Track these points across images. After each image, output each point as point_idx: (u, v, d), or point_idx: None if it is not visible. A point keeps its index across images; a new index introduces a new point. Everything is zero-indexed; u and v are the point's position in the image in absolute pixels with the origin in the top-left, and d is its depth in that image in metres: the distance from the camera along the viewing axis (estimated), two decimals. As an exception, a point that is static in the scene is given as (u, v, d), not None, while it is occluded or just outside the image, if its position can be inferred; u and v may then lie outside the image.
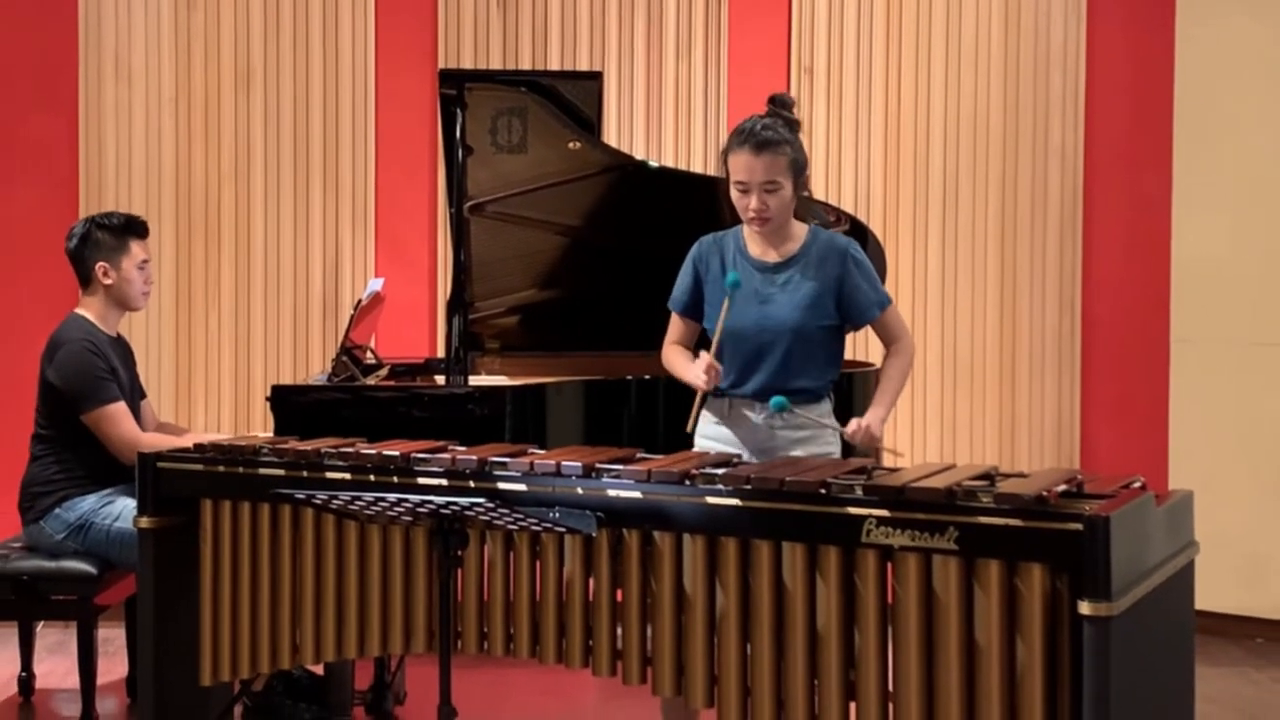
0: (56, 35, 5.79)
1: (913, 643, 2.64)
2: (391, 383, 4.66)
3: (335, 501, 3.00)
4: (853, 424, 3.44)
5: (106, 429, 4.28)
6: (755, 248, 3.60)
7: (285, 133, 5.87)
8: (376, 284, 4.86)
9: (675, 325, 3.73)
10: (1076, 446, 5.93)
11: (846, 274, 3.53)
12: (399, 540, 3.27)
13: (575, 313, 4.87)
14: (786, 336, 3.48)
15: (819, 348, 3.53)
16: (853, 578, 2.74)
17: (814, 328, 3.51)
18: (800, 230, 3.60)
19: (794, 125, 3.54)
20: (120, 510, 4.26)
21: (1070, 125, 5.90)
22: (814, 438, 3.54)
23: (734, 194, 3.50)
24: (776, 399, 3.41)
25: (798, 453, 3.50)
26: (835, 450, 3.57)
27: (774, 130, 3.46)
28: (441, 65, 5.76)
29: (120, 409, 4.29)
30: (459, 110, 4.44)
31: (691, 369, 3.53)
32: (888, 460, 3.58)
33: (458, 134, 4.44)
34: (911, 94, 5.92)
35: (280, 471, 3.38)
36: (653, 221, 4.38)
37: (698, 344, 3.69)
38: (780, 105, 3.58)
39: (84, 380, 4.27)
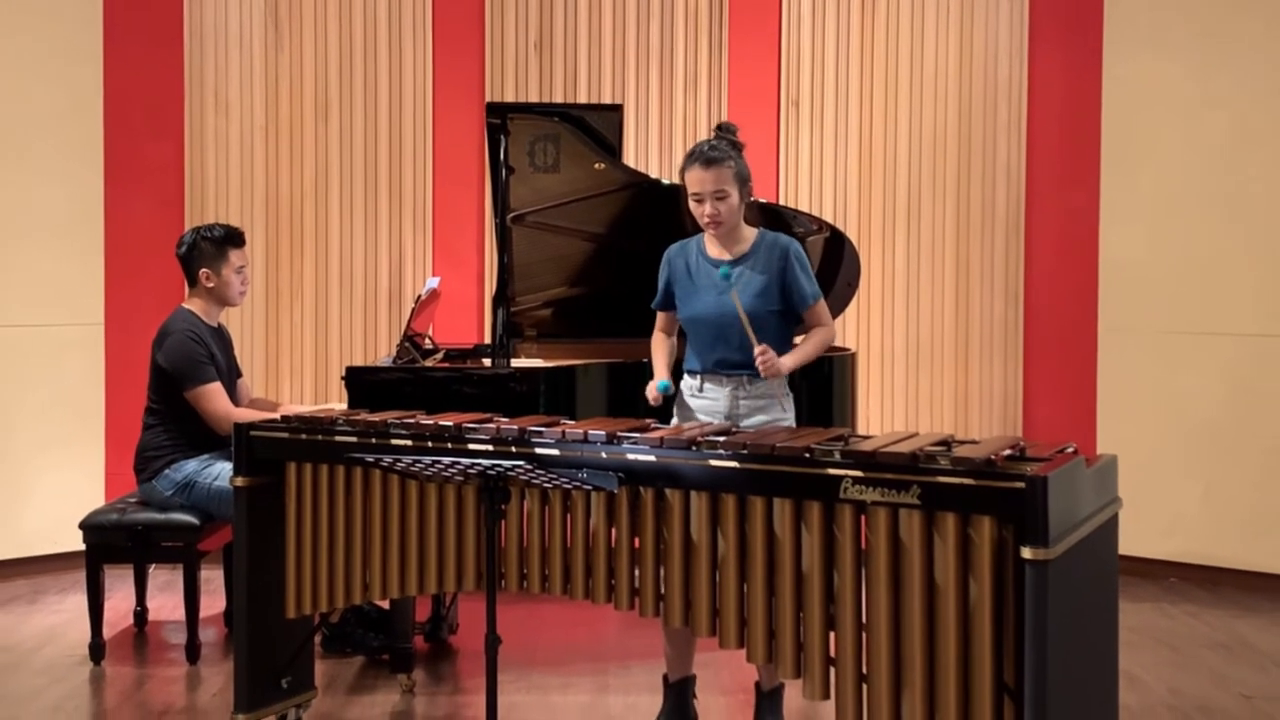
0: (166, 75, 5.80)
1: (882, 582, 2.62)
2: (446, 364, 4.66)
3: (399, 464, 2.99)
4: (770, 351, 3.39)
5: (204, 405, 4.28)
6: (713, 249, 3.58)
7: (357, 156, 5.87)
8: (433, 282, 4.85)
9: (659, 318, 3.77)
10: (1019, 417, 5.91)
11: (788, 267, 3.51)
12: (452, 496, 3.26)
13: (600, 306, 4.85)
14: (740, 320, 3.43)
15: (769, 329, 3.48)
16: (832, 528, 2.72)
17: (764, 312, 3.48)
18: (750, 233, 3.58)
19: (737, 145, 3.52)
20: (219, 471, 4.26)
21: (1014, 148, 5.87)
22: (769, 406, 3.52)
23: (691, 204, 3.50)
24: (724, 269, 3.45)
25: (758, 419, 3.49)
26: (789, 419, 3.54)
27: (719, 149, 3.45)
28: (488, 99, 5.75)
29: (216, 388, 4.29)
30: (503, 136, 4.42)
31: (650, 384, 3.56)
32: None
33: (501, 156, 4.43)
34: (882, 122, 5.90)
35: (353, 439, 3.37)
36: (664, 229, 4.35)
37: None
38: (724, 130, 3.57)
39: (186, 363, 4.27)
